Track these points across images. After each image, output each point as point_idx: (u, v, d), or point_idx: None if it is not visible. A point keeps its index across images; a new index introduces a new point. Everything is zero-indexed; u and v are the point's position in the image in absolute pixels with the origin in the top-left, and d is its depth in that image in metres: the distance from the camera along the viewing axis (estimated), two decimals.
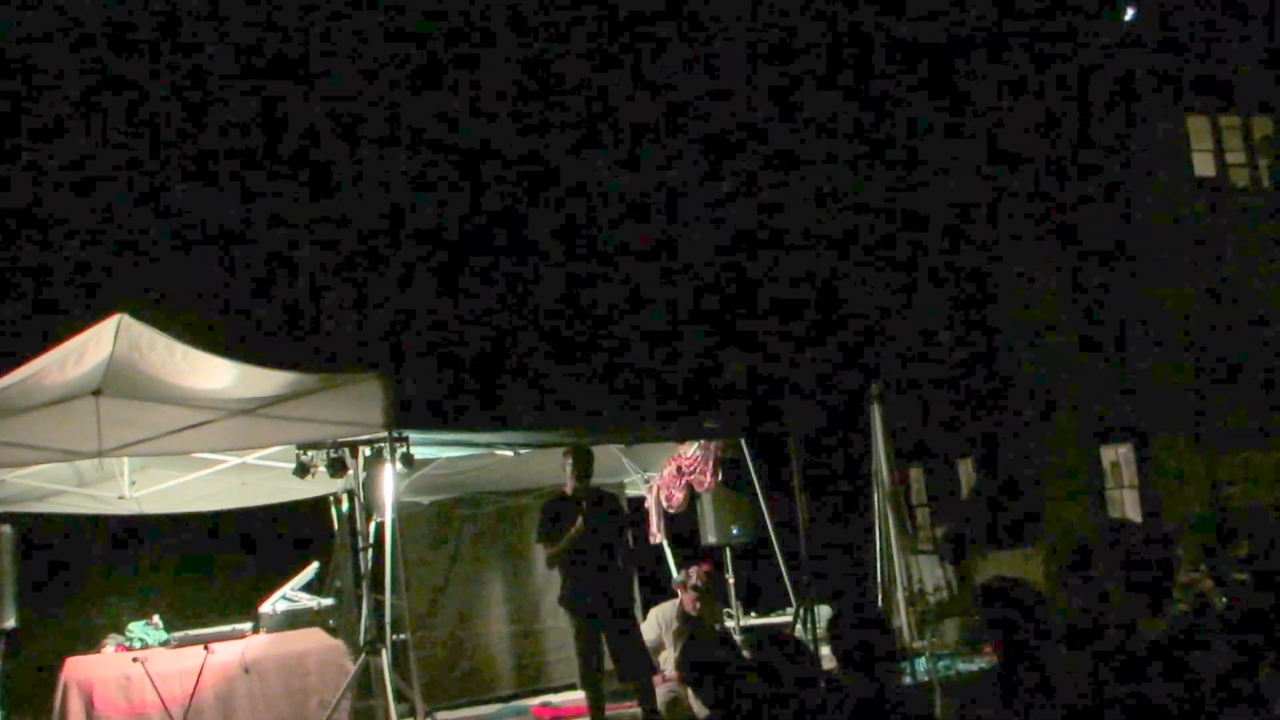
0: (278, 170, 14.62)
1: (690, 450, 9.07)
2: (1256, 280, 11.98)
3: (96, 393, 5.70)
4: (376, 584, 7.40)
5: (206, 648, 6.78)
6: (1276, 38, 12.45)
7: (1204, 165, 12.55)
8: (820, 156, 15.02)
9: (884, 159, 14.70)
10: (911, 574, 7.98)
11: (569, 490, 7.02)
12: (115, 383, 5.82)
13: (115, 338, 6.05)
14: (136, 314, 6.26)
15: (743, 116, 15.40)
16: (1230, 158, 12.65)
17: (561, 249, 15.77)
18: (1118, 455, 12.78)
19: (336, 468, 6.48)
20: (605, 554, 6.92)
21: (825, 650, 4.20)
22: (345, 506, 8.38)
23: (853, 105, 14.77)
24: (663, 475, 9.50)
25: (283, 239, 14.46)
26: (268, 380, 6.31)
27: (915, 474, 15.10)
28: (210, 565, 10.71)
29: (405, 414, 6.34)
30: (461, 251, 15.42)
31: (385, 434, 6.24)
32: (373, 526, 7.62)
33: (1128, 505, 12.52)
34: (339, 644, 7.38)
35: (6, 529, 7.29)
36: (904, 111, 14.47)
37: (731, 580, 9.61)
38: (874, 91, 14.64)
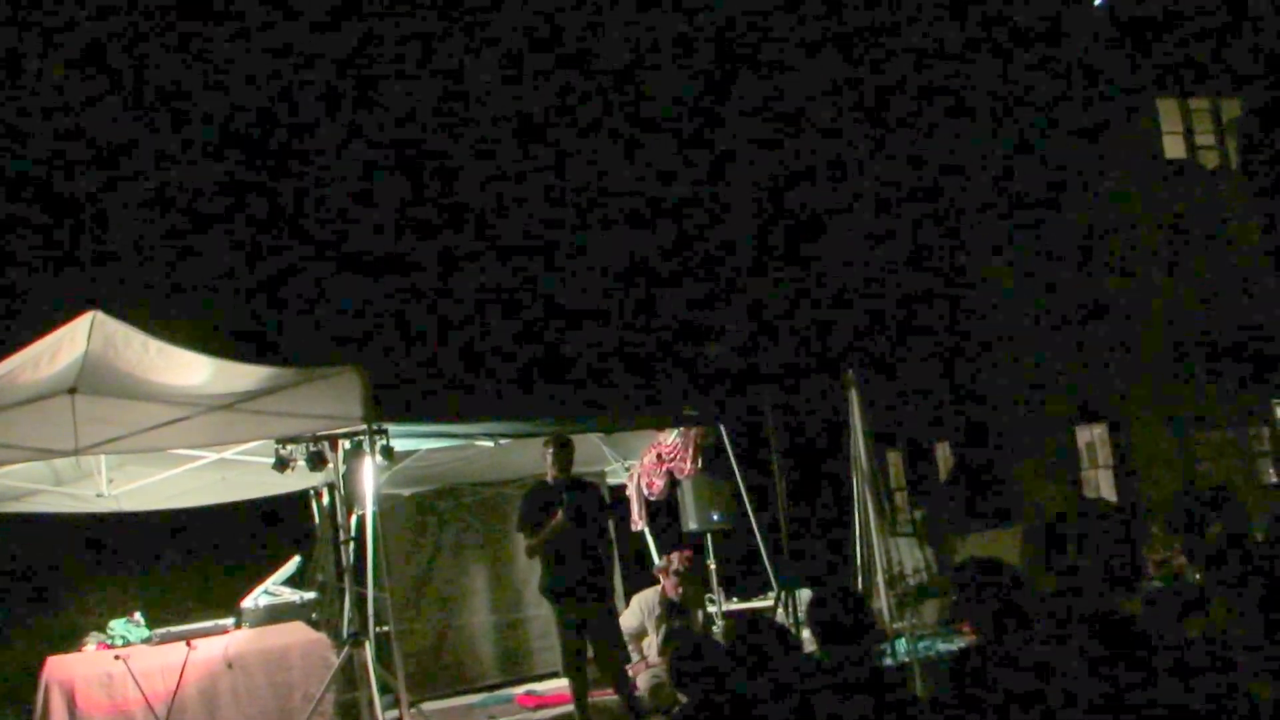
0: (248, 159, 14.54)
1: (670, 438, 9.11)
2: (1227, 261, 12.11)
3: (72, 390, 5.66)
4: (359, 577, 7.42)
5: (189, 644, 6.77)
6: (1245, 18, 12.56)
7: (1174, 148, 12.66)
8: (796, 140, 15.05)
9: (859, 143, 14.74)
10: (891, 557, 8.05)
11: (550, 480, 7.05)
12: (90, 380, 5.78)
13: (89, 335, 6.01)
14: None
15: (721, 98, 15.41)
16: (1200, 139, 12.77)
17: (537, 235, 15.75)
18: (1092, 436, 12.91)
19: (316, 461, 6.46)
20: (586, 543, 6.95)
21: (806, 633, 4.24)
22: (326, 500, 8.38)
23: (829, 88, 14.80)
24: (643, 463, 9.54)
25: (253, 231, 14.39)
26: (245, 375, 6.28)
27: (893, 458, 15.21)
28: (191, 561, 10.67)
29: (384, 406, 6.33)
30: (435, 240, 15.38)
31: (364, 427, 6.24)
32: (354, 519, 7.63)
33: (1102, 485, 12.66)
34: (322, 637, 7.39)
35: None
36: (877, 95, 14.52)
37: (713, 565, 9.67)
38: (849, 75, 14.68)
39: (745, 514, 8.99)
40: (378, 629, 7.64)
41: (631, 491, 9.69)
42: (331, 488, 7.86)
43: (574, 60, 15.47)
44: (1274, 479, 12.01)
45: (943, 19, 13.68)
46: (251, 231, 14.59)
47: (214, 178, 14.30)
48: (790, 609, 8.03)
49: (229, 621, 7.31)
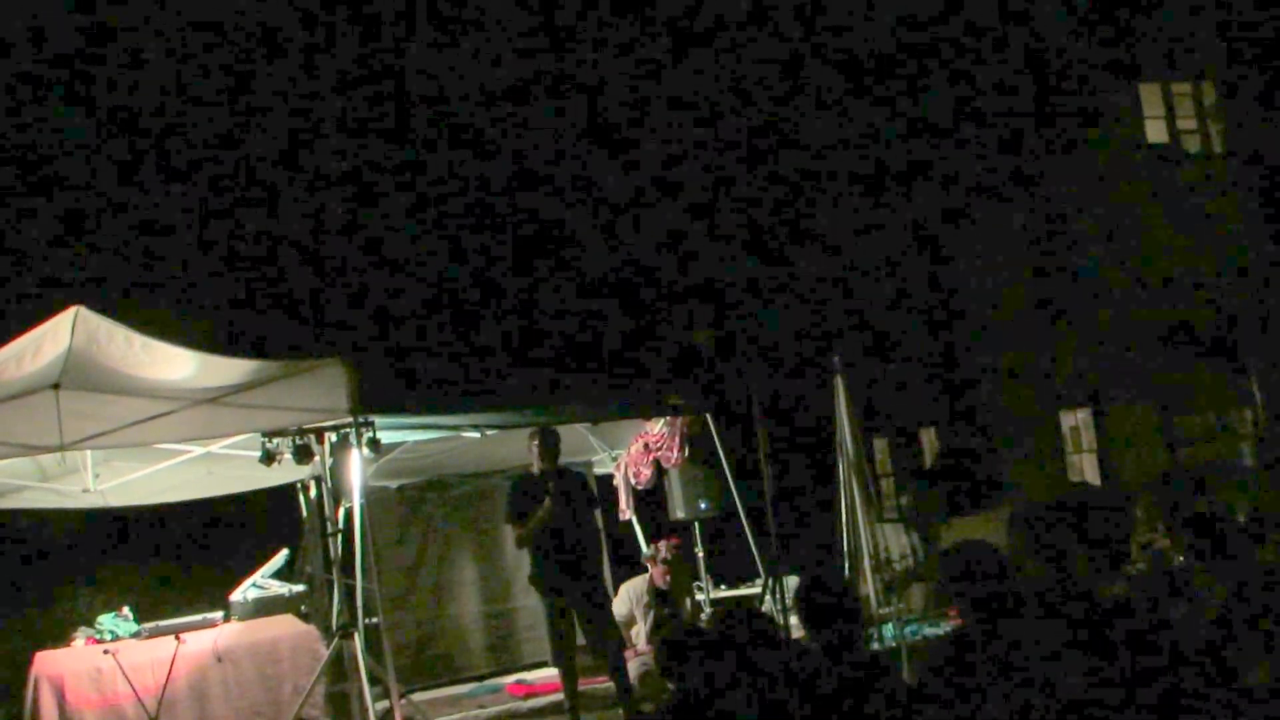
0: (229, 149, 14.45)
1: (657, 427, 9.13)
2: (1209, 245, 12.18)
3: (55, 386, 5.65)
4: (347, 569, 7.42)
5: (178, 638, 6.77)
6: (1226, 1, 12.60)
7: (1156, 132, 12.70)
8: (779, 125, 15.03)
9: (839, 124, 14.73)
10: (877, 542, 8.11)
11: (536, 470, 7.06)
12: (74, 376, 5.77)
13: (73, 330, 6.00)
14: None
15: (705, 83, 15.37)
16: (1181, 124, 12.81)
17: (521, 224, 15.71)
18: (1076, 419, 12.99)
19: (303, 454, 6.46)
20: (574, 532, 6.97)
21: (794, 619, 4.27)
22: (313, 493, 8.37)
23: (812, 72, 14.78)
24: (630, 452, 9.56)
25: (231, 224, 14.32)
26: (229, 369, 6.28)
27: (879, 444, 15.26)
28: (179, 556, 10.64)
29: (370, 398, 6.32)
30: (419, 229, 15.32)
31: (351, 419, 6.23)
32: (341, 512, 7.63)
33: (1086, 468, 12.75)
34: (311, 629, 7.40)
35: None
36: (863, 80, 14.51)
37: (701, 554, 9.70)
38: (833, 58, 14.66)
39: (733, 502, 9.02)
40: (367, 620, 7.64)
41: (619, 481, 9.72)
42: (319, 480, 7.86)
43: (567, 44, 15.42)
44: (1254, 461, 12.11)
45: (924, 3, 13.69)
46: (233, 223, 14.52)
47: (195, 164, 14.23)
48: (778, 596, 8.06)
49: (218, 615, 7.31)
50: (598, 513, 7.65)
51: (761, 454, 8.03)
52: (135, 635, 7.05)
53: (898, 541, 10.24)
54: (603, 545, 7.93)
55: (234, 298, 13.64)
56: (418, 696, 7.97)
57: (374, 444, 6.38)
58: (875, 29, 14.07)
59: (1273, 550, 5.10)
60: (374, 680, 6.56)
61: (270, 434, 6.44)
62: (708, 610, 9.06)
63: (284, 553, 8.07)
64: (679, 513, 9.47)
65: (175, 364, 6.21)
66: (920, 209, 14.32)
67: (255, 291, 13.92)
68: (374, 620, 7.52)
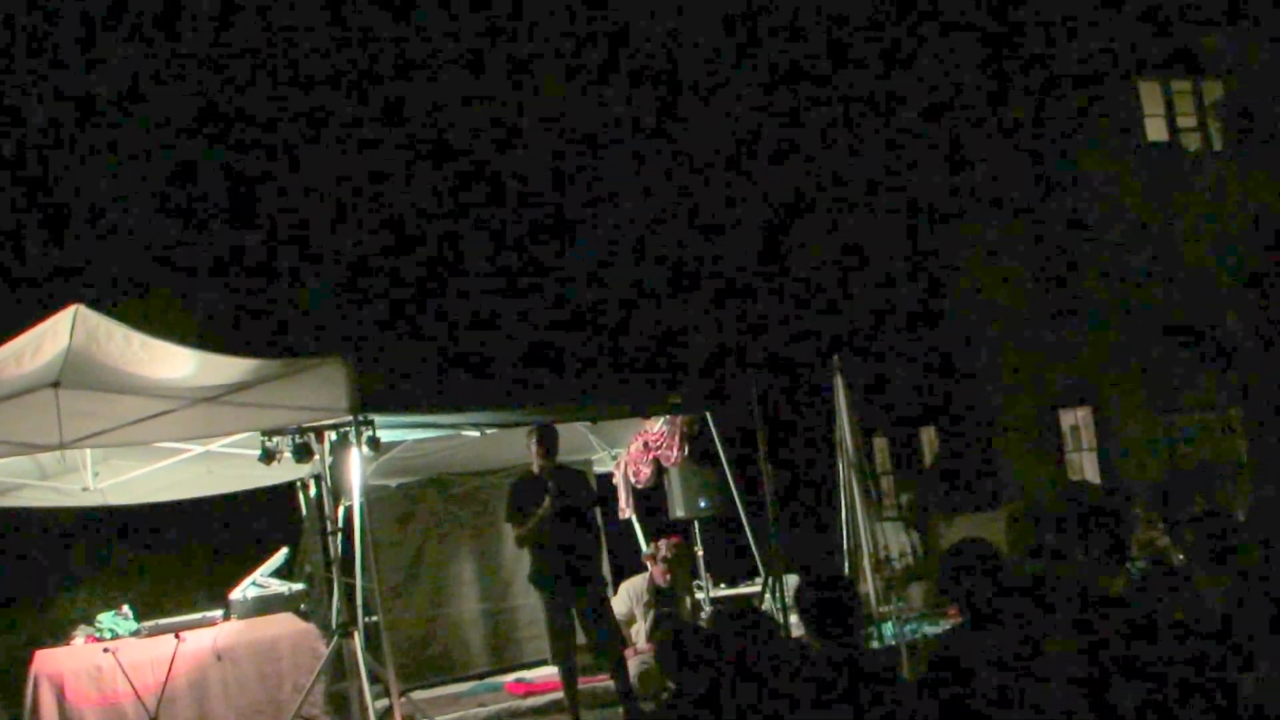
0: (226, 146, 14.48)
1: (657, 426, 9.12)
2: (1208, 243, 12.17)
3: (55, 385, 5.65)
4: (347, 567, 7.42)
5: (178, 636, 6.76)
6: None
7: (1156, 130, 12.69)
8: (774, 122, 15.04)
9: (837, 124, 14.74)
10: (877, 540, 8.11)
11: (535, 469, 7.05)
12: (74, 374, 5.77)
13: (72, 329, 5.99)
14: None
15: (700, 81, 15.38)
16: (1181, 122, 12.80)
17: (518, 222, 15.72)
18: (1076, 419, 12.99)
19: (302, 453, 6.46)
20: (574, 531, 6.96)
21: (794, 618, 4.27)
22: (313, 491, 8.37)
23: (807, 69, 14.78)
24: (630, 451, 9.55)
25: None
26: (229, 367, 6.28)
27: (879, 443, 15.26)
28: (178, 554, 10.65)
29: (369, 397, 6.32)
30: (412, 226, 15.34)
31: (350, 418, 6.23)
32: (341, 510, 7.63)
33: (1086, 467, 12.75)
34: (311, 628, 7.39)
35: None
36: (856, 76, 14.51)
37: (700, 553, 9.70)
38: (829, 56, 14.66)
39: (732, 501, 9.02)
40: (366, 619, 7.64)
41: (619, 480, 9.72)
42: (318, 479, 7.85)
43: (569, 43, 15.43)
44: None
45: (923, 3, 13.69)
46: (234, 220, 14.54)
47: (195, 165, 14.25)
48: (778, 595, 8.07)
49: (217, 614, 7.31)
50: (597, 511, 7.63)
51: (761, 454, 8.03)
52: (135, 633, 7.05)
53: (897, 540, 10.24)
54: (602, 543, 7.92)
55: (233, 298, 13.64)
56: (417, 695, 7.97)
57: (373, 443, 6.37)
58: (874, 28, 14.07)
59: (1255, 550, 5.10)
60: (374, 678, 6.55)
61: (270, 432, 6.44)
62: (708, 609, 9.06)
63: (283, 551, 8.07)
64: (679, 512, 9.46)
65: (174, 362, 6.20)
66: (921, 209, 14.32)
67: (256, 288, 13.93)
68: (374, 618, 7.54)
